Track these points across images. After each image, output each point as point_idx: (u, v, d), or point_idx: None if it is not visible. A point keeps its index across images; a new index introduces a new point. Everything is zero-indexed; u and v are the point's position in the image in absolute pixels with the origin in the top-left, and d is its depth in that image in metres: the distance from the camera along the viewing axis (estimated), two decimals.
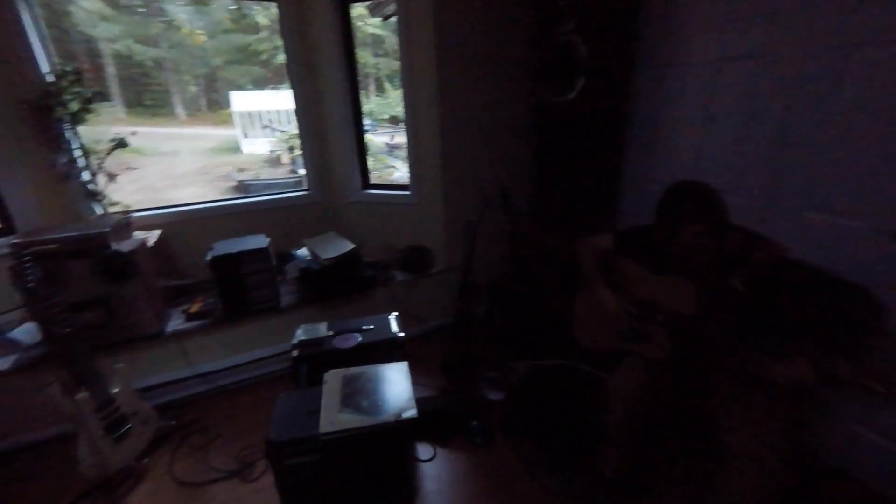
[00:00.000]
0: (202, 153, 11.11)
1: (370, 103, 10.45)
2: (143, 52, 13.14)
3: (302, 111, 2.66)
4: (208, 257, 2.10)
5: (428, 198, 2.67)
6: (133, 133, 2.24)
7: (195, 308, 2.23)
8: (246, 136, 11.08)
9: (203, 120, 14.93)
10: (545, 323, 2.31)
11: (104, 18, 12.54)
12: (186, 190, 8.14)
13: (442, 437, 1.97)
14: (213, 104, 15.49)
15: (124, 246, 1.95)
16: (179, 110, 14.81)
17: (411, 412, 1.48)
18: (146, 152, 10.13)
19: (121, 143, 2.15)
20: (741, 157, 1.88)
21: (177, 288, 2.37)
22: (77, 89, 1.99)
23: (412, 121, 2.54)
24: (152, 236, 2.28)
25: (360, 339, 1.95)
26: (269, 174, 8.53)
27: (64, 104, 1.98)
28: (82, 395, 1.63)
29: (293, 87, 2.61)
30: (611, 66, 2.13)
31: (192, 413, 2.13)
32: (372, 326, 2.03)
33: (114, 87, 13.59)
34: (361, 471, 1.54)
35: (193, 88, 15.31)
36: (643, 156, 2.29)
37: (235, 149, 11.28)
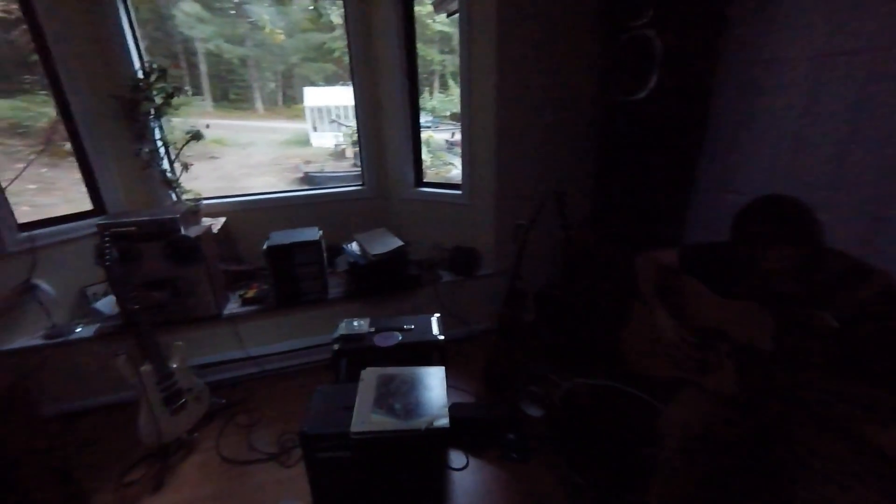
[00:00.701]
0: (276, 145, 11.84)
1: (433, 100, 10.55)
2: (231, 51, 14.27)
3: (361, 107, 2.70)
4: (264, 247, 2.19)
5: (480, 198, 2.60)
6: (207, 126, 2.39)
7: (251, 293, 2.35)
8: (315, 129, 11.65)
9: (279, 114, 15.93)
10: (596, 339, 2.16)
11: (200, 20, 13.75)
12: (259, 179, 8.73)
13: (476, 447, 1.91)
14: (288, 99, 16.48)
15: (192, 231, 2.09)
16: (259, 105, 15.92)
17: (443, 421, 1.43)
18: (227, 143, 11.00)
19: (196, 135, 2.31)
20: (843, 167, 1.61)
21: (236, 273, 2.51)
22: (161, 85, 2.16)
23: (468, 118, 2.48)
24: (217, 223, 2.43)
25: (399, 338, 1.93)
26: (333, 167, 8.90)
27: (150, 98, 2.16)
28: (145, 367, 1.77)
29: (354, 82, 2.65)
30: (691, 62, 1.93)
31: (241, 393, 2.24)
32: (413, 327, 2.01)
33: (204, 84, 14.90)
34: (391, 472, 1.52)
35: (272, 84, 16.37)
36: (722, 161, 2.05)
37: (305, 142, 11.90)
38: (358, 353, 1.88)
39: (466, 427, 1.92)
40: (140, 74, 2.16)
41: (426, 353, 1.90)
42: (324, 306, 2.39)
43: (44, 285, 2.06)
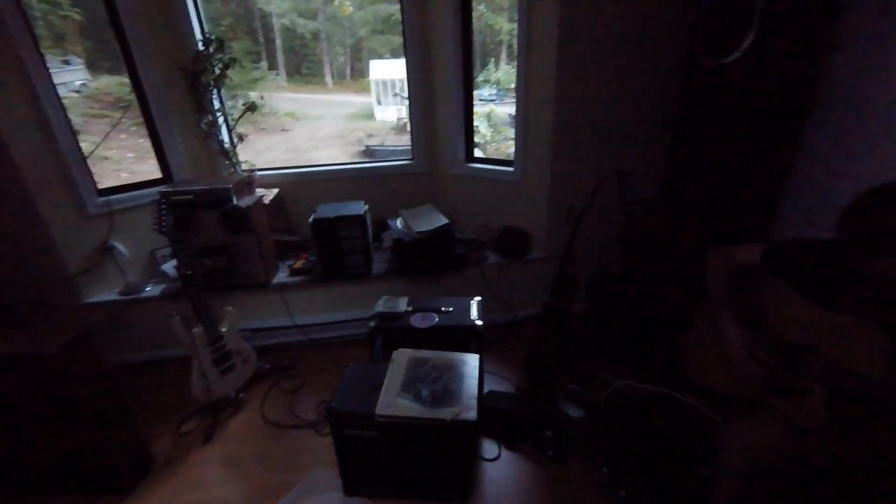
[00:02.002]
0: (342, 118, 12.12)
1: (499, 72, 10.11)
2: (304, 25, 14.68)
3: (413, 78, 2.59)
4: (310, 219, 2.21)
5: (533, 176, 2.41)
6: (261, 97, 2.41)
7: (299, 264, 2.40)
8: (379, 103, 11.73)
9: (346, 87, 16.29)
10: (652, 338, 1.94)
11: None
12: (325, 151, 9.02)
13: (510, 439, 1.82)
14: (356, 73, 16.75)
15: (244, 202, 2.15)
16: (328, 78, 16.36)
17: (471, 414, 1.35)
18: (299, 116, 11.46)
19: (251, 107, 2.35)
20: None
21: (287, 243, 2.58)
22: (219, 56, 2.20)
23: (524, 89, 2.28)
24: (270, 194, 2.49)
25: (436, 320, 1.87)
26: (393, 141, 8.94)
27: (209, 70, 2.21)
28: (198, 329, 1.87)
29: (407, 52, 2.54)
30: (801, 15, 1.57)
31: (286, 359, 2.33)
32: (451, 309, 1.93)
33: (280, 59, 15.55)
34: (417, 457, 1.48)
35: (341, 58, 16.70)
36: (832, 140, 1.68)
37: (370, 115, 12.05)
38: (393, 332, 1.85)
39: (502, 418, 1.84)
40: (200, 46, 2.21)
41: (463, 337, 1.82)
42: (367, 281, 2.39)
43: (119, 246, 2.24)
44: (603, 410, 1.64)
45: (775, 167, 1.79)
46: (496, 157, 2.63)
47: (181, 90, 2.27)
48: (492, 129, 6.83)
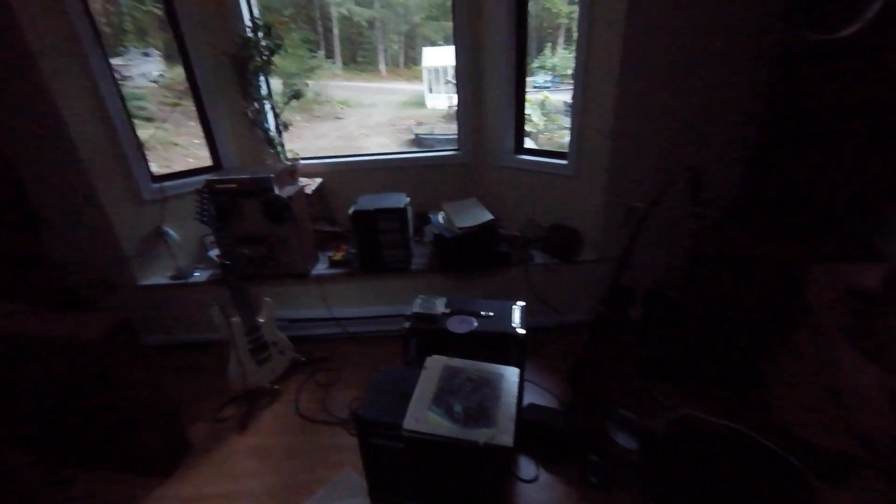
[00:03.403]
0: (393, 106, 12.15)
1: (555, 57, 9.63)
2: (360, 13, 14.83)
3: (462, 65, 2.43)
4: (350, 211, 2.14)
5: (589, 171, 2.19)
6: (306, 85, 2.37)
7: (338, 256, 2.36)
8: (431, 91, 11.63)
9: (399, 75, 16.34)
10: (722, 363, 1.69)
11: None
12: (375, 139, 9.08)
13: (550, 458, 1.67)
14: (409, 61, 16.76)
15: (286, 191, 2.13)
16: (382, 66, 16.49)
17: (506, 439, 1.22)
18: (352, 104, 11.63)
19: (296, 95, 2.31)
20: None
21: (328, 234, 2.55)
22: (265, 43, 2.17)
23: (583, 74, 2.05)
24: (313, 183, 2.46)
25: (475, 325, 1.74)
26: (444, 129, 8.82)
27: (255, 56, 2.19)
28: (236, 319, 1.87)
29: (456, 38, 2.38)
30: None
31: (322, 352, 2.31)
32: (492, 314, 1.79)
33: (336, 47, 15.86)
34: (446, 474, 1.38)
35: (395, 46, 16.74)
36: None
37: (421, 103, 11.99)
38: (428, 335, 1.74)
39: (542, 434, 1.69)
40: (248, 33, 2.19)
41: (503, 346, 1.68)
42: (406, 276, 2.31)
43: (171, 232, 2.31)
44: (658, 443, 1.45)
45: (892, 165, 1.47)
46: (548, 149, 2.43)
47: (229, 78, 2.27)
48: (545, 118, 6.50)
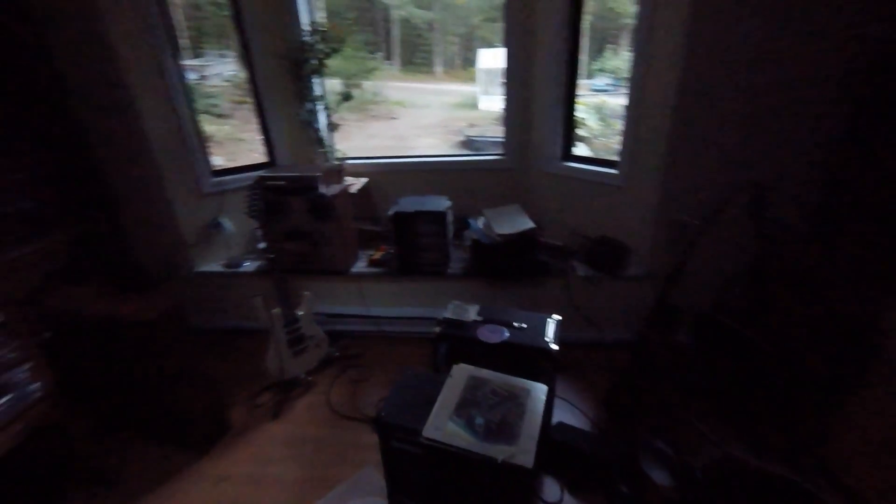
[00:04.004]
0: (446, 107, 12.24)
1: (617, 59, 9.25)
2: (420, 16, 15.10)
3: (512, 66, 2.38)
4: (389, 212, 2.17)
5: (640, 181, 2.07)
6: (357, 87, 2.42)
7: (377, 255, 2.40)
8: (486, 93, 11.58)
9: (455, 77, 16.44)
10: (782, 405, 1.52)
11: None
12: (426, 140, 9.19)
13: (577, 482, 1.59)
14: (466, 62, 16.82)
15: (330, 190, 2.19)
16: (438, 68, 16.68)
17: (526, 459, 1.17)
18: (407, 105, 11.86)
19: (346, 96, 2.38)
20: None
21: (370, 233, 2.59)
22: (320, 46, 2.25)
23: (640, 73, 1.94)
24: (358, 183, 2.52)
25: (506, 335, 1.69)
26: (495, 132, 8.74)
27: (309, 60, 2.28)
28: (277, 310, 1.95)
29: (506, 36, 2.33)
30: None
31: (356, 348, 2.36)
32: (525, 326, 1.74)
33: (395, 49, 16.25)
34: (464, 487, 1.35)
35: (452, 47, 16.88)
36: None
37: (474, 105, 11.99)
38: (458, 342, 1.72)
39: (569, 457, 1.62)
40: (306, 37, 2.28)
41: (533, 361, 1.62)
42: (442, 280, 2.30)
43: (226, 223, 2.45)
44: (697, 484, 1.33)
45: None
46: (600, 157, 2.32)
47: (286, 79, 2.38)
48: (602, 123, 6.25)
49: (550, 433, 1.69)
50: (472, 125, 9.37)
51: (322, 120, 2.51)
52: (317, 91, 2.42)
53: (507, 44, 2.35)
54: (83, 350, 1.71)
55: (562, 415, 1.87)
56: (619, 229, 2.21)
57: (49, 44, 1.92)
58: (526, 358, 1.64)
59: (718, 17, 1.65)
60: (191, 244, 2.37)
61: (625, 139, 2.10)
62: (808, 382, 1.35)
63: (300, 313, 2.03)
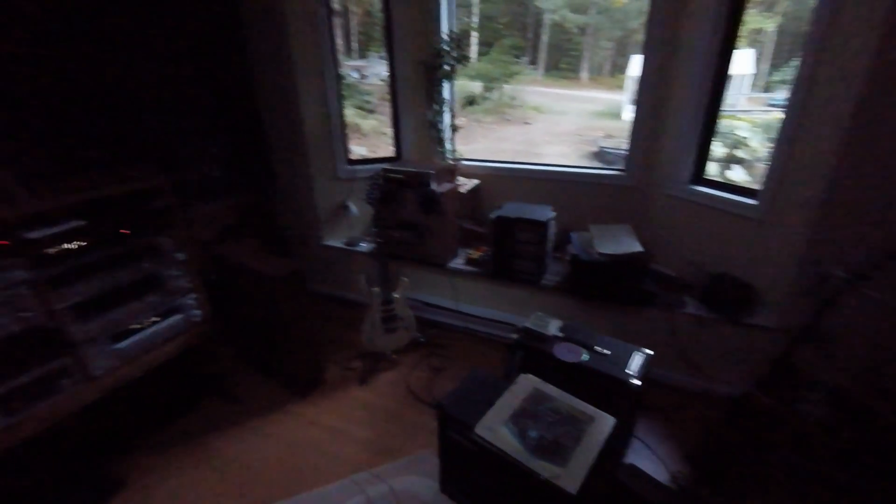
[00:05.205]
0: (585, 115, 11.73)
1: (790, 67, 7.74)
2: (574, 20, 14.70)
3: (647, 75, 2.20)
4: (492, 216, 2.23)
5: (785, 216, 1.75)
6: (497, 89, 2.53)
7: (476, 255, 2.48)
8: (631, 102, 10.77)
9: (601, 83, 15.63)
10: None
11: None
12: (555, 147, 8.97)
13: None
14: (616, 69, 15.87)
15: (441, 187, 2.34)
16: (584, 74, 16.04)
17: (570, 486, 1.12)
18: (544, 110, 11.71)
19: (471, 101, 2.52)
20: None
21: (473, 233, 2.68)
22: (454, 54, 2.40)
23: (801, 93, 1.64)
24: (469, 184, 2.63)
25: (584, 357, 1.62)
26: None
27: (443, 65, 2.45)
28: (376, 289, 2.18)
29: (646, 41, 2.16)
30: None
31: (441, 338, 2.48)
32: (608, 352, 1.64)
33: (542, 54, 16.12)
34: (509, 493, 1.35)
35: (603, 52, 16.06)
36: None
37: (616, 114, 11.25)
38: (533, 354, 1.71)
39: (631, 503, 1.48)
40: (444, 46, 2.46)
41: (609, 391, 1.52)
42: (535, 290, 2.28)
43: (352, 206, 2.80)
44: None
45: None
46: (727, 182, 2.02)
47: (419, 82, 2.60)
48: (758, 142, 5.35)
49: (616, 472, 1.57)
50: (608, 136, 8.85)
51: (446, 121, 2.67)
52: (445, 94, 2.59)
53: (646, 48, 2.17)
54: (232, 292, 2.16)
55: (636, 458, 1.72)
56: (748, 268, 1.91)
57: (248, 51, 2.45)
58: (601, 386, 1.55)
59: None
60: (322, 220, 2.77)
61: (773, 164, 1.80)
62: None
63: (396, 296, 2.23)
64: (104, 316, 1.56)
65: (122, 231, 1.58)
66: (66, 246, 1.41)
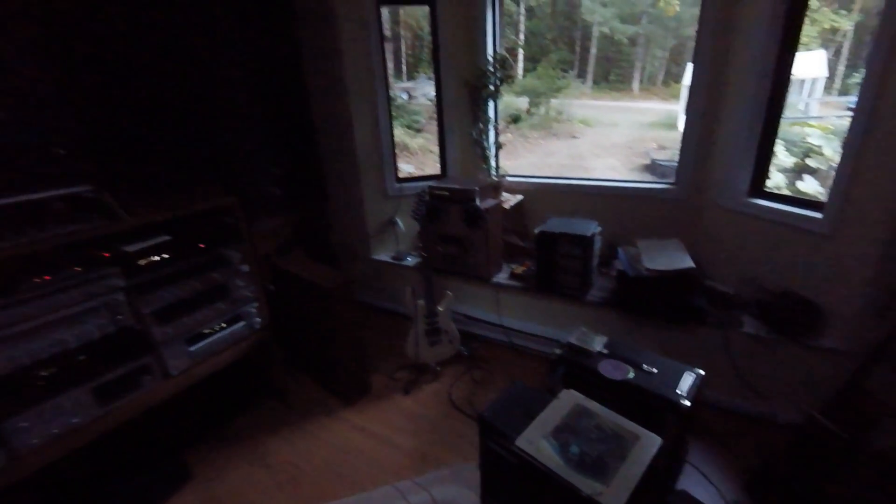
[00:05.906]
0: (638, 127, 11.38)
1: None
2: (623, 31, 14.43)
3: (699, 81, 2.14)
4: (536, 230, 2.24)
5: (855, 230, 1.63)
6: (525, 110, 2.57)
7: (520, 270, 2.50)
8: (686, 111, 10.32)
9: (653, 94, 15.14)
10: None
11: (603, 4, 14.48)
12: (605, 160, 8.77)
13: None
14: (668, 78, 15.32)
15: (485, 203, 2.40)
16: (635, 85, 15.63)
17: (612, 502, 1.10)
18: (592, 123, 11.51)
19: (515, 119, 2.58)
20: None
21: (517, 248, 2.71)
22: (499, 74, 2.48)
23: (870, 96, 1.54)
24: (513, 200, 2.66)
25: (630, 375, 1.58)
26: None
27: (488, 85, 2.53)
28: (421, 302, 2.25)
29: (697, 47, 2.11)
30: None
31: (484, 352, 2.50)
32: (655, 371, 1.59)
33: (590, 67, 15.91)
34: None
35: (655, 63, 15.60)
36: None
37: (671, 125, 10.83)
38: (576, 369, 1.69)
39: None
40: (489, 67, 2.54)
41: (655, 411, 1.47)
42: (579, 305, 2.25)
43: (400, 222, 2.92)
44: None
45: None
46: (784, 194, 1.89)
47: (464, 101, 2.69)
48: (828, 151, 4.95)
49: (666, 497, 1.50)
50: (661, 147, 8.53)
51: (490, 139, 2.74)
52: (489, 113, 2.67)
53: (697, 55, 2.12)
54: (287, 301, 2.32)
55: (689, 484, 1.64)
56: (813, 286, 1.78)
57: (307, 79, 2.67)
58: (647, 405, 1.51)
59: None
60: (371, 235, 2.91)
61: (840, 174, 1.69)
62: None
63: (440, 309, 2.29)
64: (181, 321, 1.75)
65: (199, 245, 1.77)
66: (153, 258, 1.60)
